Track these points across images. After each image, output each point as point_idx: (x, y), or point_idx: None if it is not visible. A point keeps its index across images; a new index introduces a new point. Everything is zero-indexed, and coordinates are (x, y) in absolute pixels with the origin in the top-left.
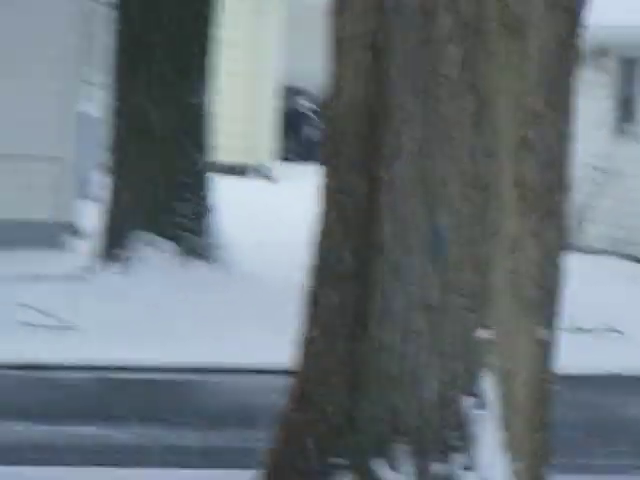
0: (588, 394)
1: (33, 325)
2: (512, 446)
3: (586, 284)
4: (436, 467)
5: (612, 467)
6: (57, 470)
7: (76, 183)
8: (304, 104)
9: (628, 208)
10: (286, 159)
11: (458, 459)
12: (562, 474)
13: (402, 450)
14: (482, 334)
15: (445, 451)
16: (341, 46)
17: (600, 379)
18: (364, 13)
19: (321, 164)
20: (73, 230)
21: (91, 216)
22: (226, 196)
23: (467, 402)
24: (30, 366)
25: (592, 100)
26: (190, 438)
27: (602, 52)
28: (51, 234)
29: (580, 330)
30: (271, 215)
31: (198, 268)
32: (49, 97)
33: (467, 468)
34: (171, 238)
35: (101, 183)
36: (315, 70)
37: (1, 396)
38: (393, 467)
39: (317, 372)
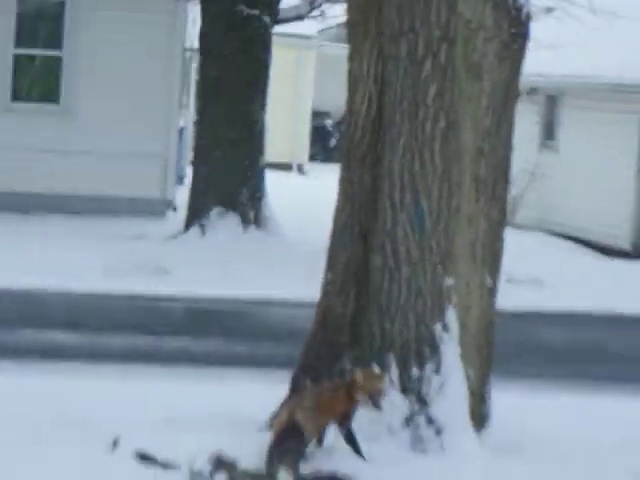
0: (518, 325)
1: (140, 268)
2: (465, 358)
3: (518, 250)
4: (414, 371)
5: (532, 372)
6: (156, 366)
7: (174, 174)
8: (328, 122)
9: (547, 198)
10: (315, 160)
11: (429, 366)
12: (498, 377)
13: (390, 359)
14: (448, 282)
15: (420, 360)
16: (355, 82)
17: (527, 314)
18: (371, 59)
19: (339, 163)
20: (172, 206)
21: (183, 196)
22: (274, 184)
23: (437, 327)
24: (134, 296)
25: (526, 123)
26: (239, 347)
27: (534, 90)
28: (158, 208)
29: (513, 281)
30: (304, 198)
31: (253, 233)
32: (160, 117)
33: (435, 371)
34: (235, 211)
35: (189, 174)
36: (337, 99)
37: (118, 316)
38: (385, 371)
39: (332, 304)
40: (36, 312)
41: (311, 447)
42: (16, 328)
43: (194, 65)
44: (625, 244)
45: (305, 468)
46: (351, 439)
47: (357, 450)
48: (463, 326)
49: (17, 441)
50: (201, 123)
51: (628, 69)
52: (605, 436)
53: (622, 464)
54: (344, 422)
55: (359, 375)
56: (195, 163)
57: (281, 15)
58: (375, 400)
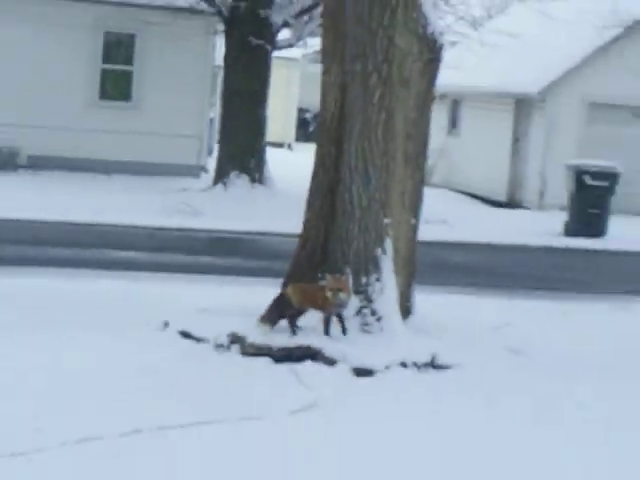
0: (431, 250)
1: (182, 211)
2: (397, 271)
3: (432, 200)
4: (363, 279)
5: (439, 282)
6: (194, 274)
7: (206, 148)
8: (308, 115)
9: (452, 167)
10: (299, 140)
11: (373, 276)
12: (418, 284)
13: (347, 271)
14: (385, 221)
15: (367, 272)
16: (326, 89)
17: (437, 243)
18: (337, 74)
19: (315, 142)
20: (204, 169)
21: (211, 163)
22: (272, 156)
23: (378, 251)
24: (178, 229)
25: (439, 117)
26: (250, 263)
27: (443, 96)
28: (195, 171)
29: (429, 221)
30: (292, 165)
31: (258, 188)
32: (197, 110)
33: (377, 280)
34: (246, 174)
35: (216, 149)
36: (314, 100)
37: (168, 242)
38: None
39: (310, 234)
40: (114, 239)
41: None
42: (98, 249)
43: (220, 77)
44: (503, 197)
45: (288, 342)
46: (326, 324)
47: (326, 331)
48: (395, 250)
49: (103, 324)
50: (224, 115)
51: (504, 82)
52: (489, 322)
53: (500, 343)
54: (325, 309)
55: (329, 278)
56: (220, 141)
57: (278, 44)
58: (340, 298)
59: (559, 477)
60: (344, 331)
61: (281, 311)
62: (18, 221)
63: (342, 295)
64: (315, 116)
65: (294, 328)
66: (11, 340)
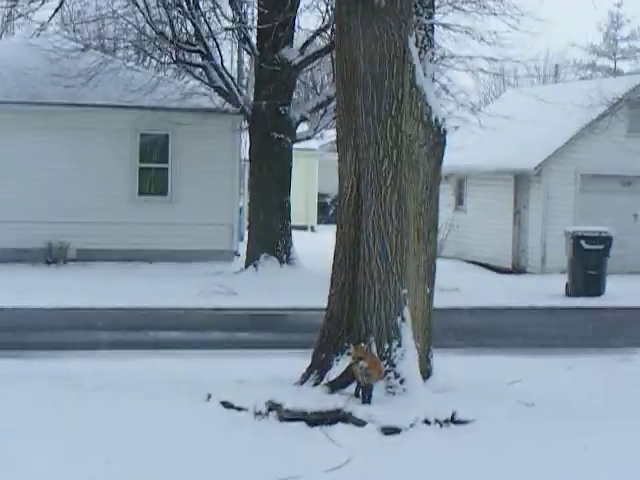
0: (446, 316)
1: (218, 292)
2: (416, 337)
3: (444, 271)
4: (385, 346)
5: (456, 344)
6: (231, 349)
7: (237, 234)
8: (328, 200)
9: (460, 240)
10: (320, 223)
11: (394, 342)
12: (436, 347)
13: (371, 339)
14: (403, 291)
15: (389, 339)
16: (342, 175)
17: (451, 309)
18: (352, 161)
19: (335, 223)
20: (236, 253)
21: (242, 247)
22: (297, 238)
23: (398, 319)
24: (215, 309)
25: (446, 195)
26: (281, 337)
27: (449, 175)
28: (228, 256)
29: (442, 289)
30: (315, 246)
31: (286, 267)
32: (228, 201)
33: (398, 345)
34: (275, 255)
35: (246, 234)
36: (333, 185)
37: (206, 321)
38: (368, 347)
39: (335, 308)
40: (158, 321)
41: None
42: (144, 331)
43: (246, 169)
44: (508, 264)
45: (320, 407)
46: (364, 392)
47: (367, 399)
48: (414, 318)
49: (145, 398)
50: (252, 204)
51: (503, 160)
52: (502, 379)
53: (514, 396)
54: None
55: (353, 348)
56: (249, 227)
57: (297, 137)
58: (363, 367)
59: None
60: (369, 399)
61: (351, 380)
62: (71, 309)
63: (363, 363)
64: (334, 200)
65: (369, 397)
66: (73, 411)
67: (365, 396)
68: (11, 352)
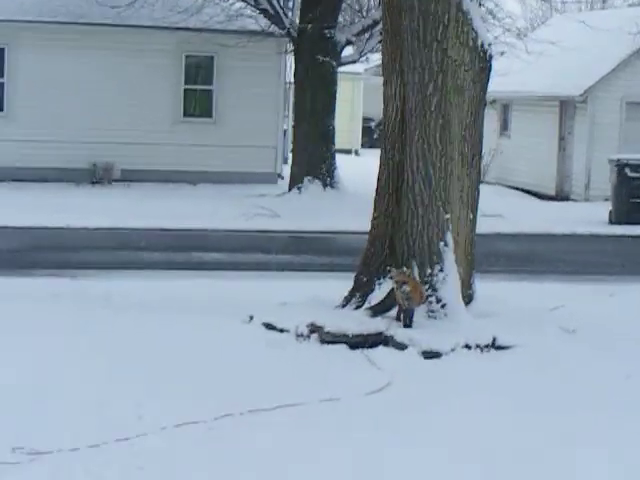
0: (488, 241)
1: (261, 214)
2: (458, 261)
3: (487, 196)
4: (427, 270)
5: (498, 269)
6: (272, 271)
7: (282, 157)
8: (372, 123)
9: (504, 165)
10: (364, 146)
11: (436, 267)
12: (478, 273)
13: (413, 263)
14: (446, 216)
15: (431, 264)
16: (387, 99)
17: (493, 235)
18: (396, 85)
19: (380, 148)
20: (280, 176)
21: (286, 170)
22: (341, 162)
23: (440, 244)
24: (258, 231)
25: (490, 120)
26: (324, 260)
27: (494, 101)
28: (272, 178)
29: (485, 215)
30: (359, 169)
31: (329, 191)
32: (272, 123)
33: (440, 270)
34: (318, 179)
35: (290, 157)
36: (378, 109)
37: (250, 243)
38: (411, 270)
39: (378, 231)
40: (200, 242)
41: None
42: (187, 251)
43: (291, 92)
44: (552, 191)
45: (361, 330)
46: (407, 316)
47: (407, 323)
48: (456, 243)
49: (188, 317)
50: (296, 127)
51: (549, 86)
52: (543, 305)
53: (553, 322)
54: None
55: (394, 272)
56: (293, 150)
57: (342, 60)
58: (406, 291)
59: None
60: (410, 323)
61: (394, 304)
62: (115, 229)
63: (406, 287)
64: (379, 124)
65: (410, 321)
66: (115, 331)
67: (406, 320)
68: (54, 270)
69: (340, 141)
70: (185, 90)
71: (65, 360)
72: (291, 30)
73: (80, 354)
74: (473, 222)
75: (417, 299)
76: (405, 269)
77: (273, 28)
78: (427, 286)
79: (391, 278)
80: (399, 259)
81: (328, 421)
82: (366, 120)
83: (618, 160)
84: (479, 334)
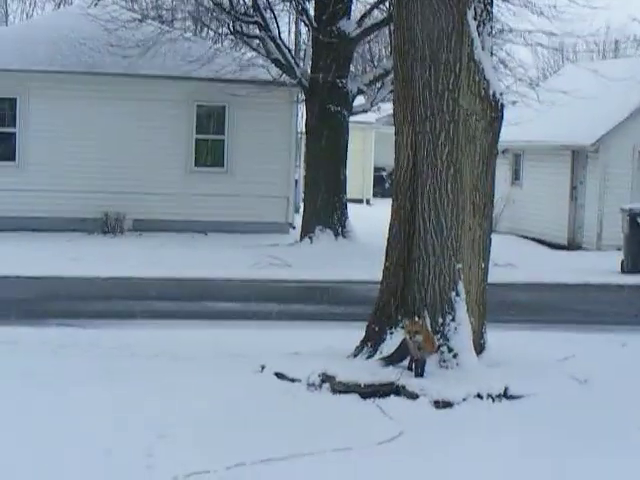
0: (501, 291)
1: (273, 264)
2: (470, 311)
3: (499, 246)
4: (439, 320)
5: (510, 319)
6: (285, 320)
7: (293, 207)
8: (384, 173)
9: (516, 215)
10: (376, 196)
11: (448, 316)
12: (490, 322)
13: (425, 313)
14: (458, 266)
15: (443, 313)
16: (399, 148)
17: (505, 284)
18: (408, 134)
19: (391, 197)
20: (292, 226)
21: (298, 220)
22: (353, 211)
23: (452, 294)
24: (270, 281)
25: (502, 170)
26: (336, 309)
27: (506, 151)
28: (284, 227)
29: (497, 264)
30: (371, 219)
31: (341, 241)
32: (284, 173)
33: (452, 320)
34: (330, 228)
35: (302, 207)
36: (388, 159)
37: (262, 293)
38: (424, 320)
39: (389, 281)
40: (213, 292)
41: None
42: (199, 301)
43: (302, 141)
44: (564, 240)
45: (373, 379)
46: (419, 365)
47: (420, 373)
48: (468, 292)
49: (199, 367)
50: (308, 176)
51: (560, 136)
52: (555, 355)
53: (565, 372)
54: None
55: (407, 322)
56: (305, 200)
57: (354, 110)
58: (417, 340)
59: None
60: (422, 372)
61: (406, 354)
62: (126, 278)
63: (418, 337)
64: (390, 173)
65: (422, 371)
66: (127, 383)
67: (418, 369)
68: (67, 320)
69: (352, 190)
70: (197, 140)
71: (77, 408)
72: (303, 80)
73: (92, 403)
74: (485, 271)
75: (429, 349)
76: (417, 319)
77: (285, 78)
78: (439, 335)
79: (402, 328)
80: (411, 308)
81: (340, 471)
82: (378, 169)
83: (630, 209)
84: (491, 384)
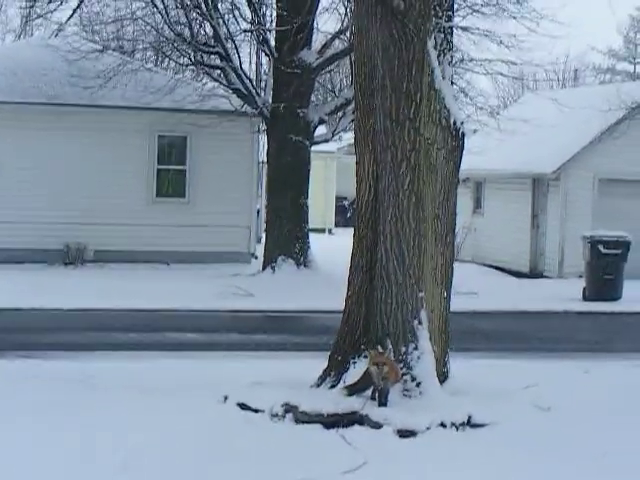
0: (462, 319)
1: (235, 294)
2: (432, 340)
3: (461, 274)
4: (402, 349)
5: (472, 347)
6: (248, 351)
7: (255, 237)
8: (345, 202)
9: (478, 243)
10: (338, 225)
11: (411, 345)
12: (453, 351)
13: (387, 342)
14: (420, 294)
15: (406, 342)
16: (360, 177)
17: (467, 312)
18: (369, 164)
19: (353, 226)
20: (254, 256)
21: (260, 250)
22: (314, 241)
23: (415, 322)
24: (232, 311)
25: (464, 198)
26: (298, 339)
27: (467, 179)
28: (246, 257)
29: (459, 293)
30: (333, 248)
31: (303, 270)
32: (245, 203)
33: (415, 348)
34: (292, 258)
35: (263, 236)
36: (350, 188)
37: (224, 323)
38: (385, 349)
39: (352, 310)
40: (175, 322)
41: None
42: (161, 332)
43: (264, 171)
44: (526, 268)
45: (336, 409)
46: (382, 395)
47: (384, 402)
48: (430, 321)
49: (161, 398)
50: (269, 206)
51: (521, 164)
52: (518, 383)
53: (528, 400)
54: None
55: (372, 353)
56: (267, 230)
57: (315, 139)
58: (381, 369)
59: None
60: (385, 401)
61: (370, 384)
62: (88, 310)
63: (384, 367)
64: (352, 203)
65: (386, 400)
66: (91, 415)
67: (381, 399)
68: (27, 352)
69: (313, 220)
70: (158, 170)
71: (39, 439)
72: (264, 109)
73: (54, 434)
74: (447, 300)
75: (393, 378)
76: (381, 349)
77: (246, 107)
78: (402, 364)
79: (365, 357)
80: (373, 337)
81: None
82: (339, 199)
83: (591, 237)
84: (454, 412)
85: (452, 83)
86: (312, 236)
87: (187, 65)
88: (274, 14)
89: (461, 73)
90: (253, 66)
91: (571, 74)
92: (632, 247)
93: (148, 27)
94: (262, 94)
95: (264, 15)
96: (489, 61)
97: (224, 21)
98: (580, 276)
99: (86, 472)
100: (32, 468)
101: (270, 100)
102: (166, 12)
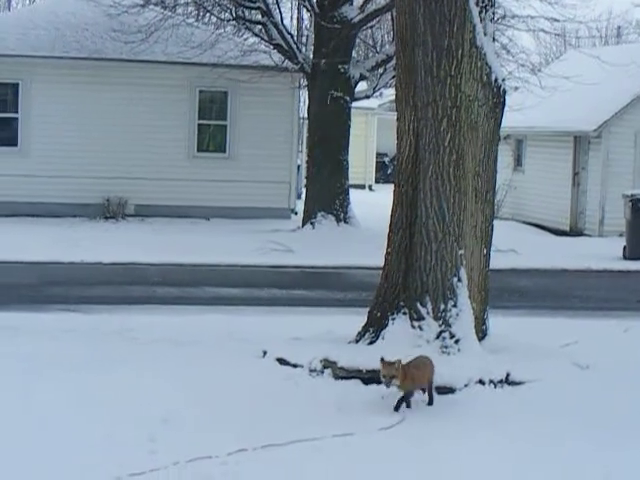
0: (502, 276)
1: (275, 250)
2: (472, 297)
3: (501, 232)
4: (441, 306)
5: (512, 305)
6: (286, 306)
7: (295, 192)
8: (386, 159)
9: (518, 200)
10: (378, 181)
11: (450, 302)
12: (492, 308)
13: (427, 299)
14: (460, 252)
15: (445, 299)
16: (401, 134)
17: (507, 270)
18: (410, 120)
19: (393, 182)
20: (294, 211)
21: (300, 206)
22: (354, 197)
23: (454, 279)
24: (272, 266)
25: (504, 156)
26: (337, 295)
27: (508, 137)
28: (286, 213)
29: (499, 250)
30: (373, 205)
31: (343, 226)
32: (286, 158)
33: (454, 305)
34: (332, 214)
35: (304, 192)
36: (390, 145)
37: (264, 278)
38: (424, 306)
39: (391, 266)
40: (215, 277)
41: None
42: (201, 286)
43: (304, 127)
44: (566, 226)
45: (376, 365)
46: (400, 401)
47: (396, 407)
48: (470, 278)
49: (201, 353)
50: (310, 161)
51: (562, 122)
52: (557, 341)
53: (567, 358)
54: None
55: (383, 365)
56: (307, 185)
57: (356, 95)
58: (394, 385)
59: None
60: (408, 405)
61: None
62: (128, 264)
63: (395, 381)
64: (392, 159)
65: (408, 403)
66: (128, 368)
67: (407, 403)
68: (66, 305)
69: (354, 176)
70: (199, 125)
71: (77, 395)
72: (305, 65)
73: (93, 389)
74: (487, 257)
75: (409, 384)
76: (392, 359)
77: (287, 63)
78: (441, 321)
79: (404, 314)
80: (412, 294)
81: (341, 456)
82: (380, 155)
83: (632, 195)
84: (493, 370)
85: (494, 40)
86: (352, 192)
87: (228, 20)
88: None
89: (503, 30)
90: (294, 21)
91: (614, 31)
92: None
93: None
94: (303, 50)
95: None
96: (531, 18)
97: None
98: (620, 235)
99: (122, 425)
100: (74, 425)
101: (311, 56)
102: None
